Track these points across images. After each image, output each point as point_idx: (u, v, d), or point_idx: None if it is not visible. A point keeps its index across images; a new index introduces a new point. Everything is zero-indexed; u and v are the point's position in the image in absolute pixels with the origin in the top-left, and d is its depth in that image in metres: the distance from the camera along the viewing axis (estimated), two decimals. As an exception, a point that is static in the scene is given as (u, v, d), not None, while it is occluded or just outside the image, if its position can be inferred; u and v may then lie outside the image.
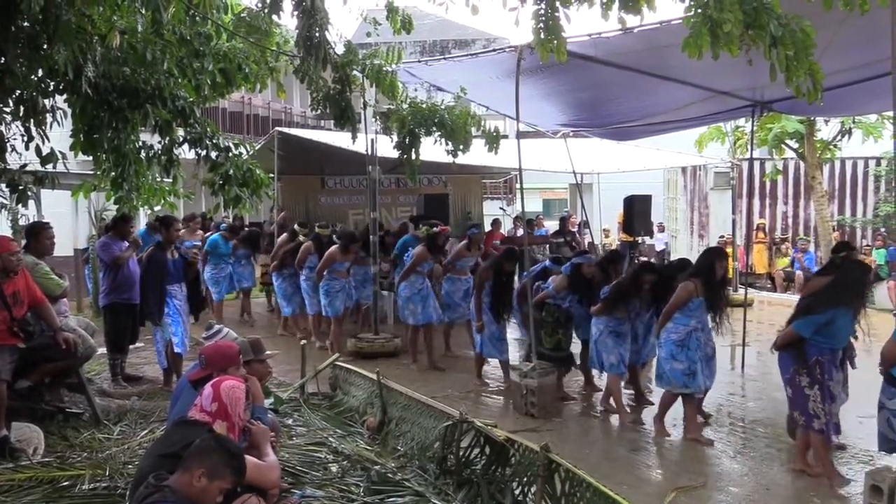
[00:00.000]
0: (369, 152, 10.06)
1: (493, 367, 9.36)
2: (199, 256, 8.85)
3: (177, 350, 7.83)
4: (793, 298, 11.82)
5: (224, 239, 12.00)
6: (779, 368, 5.77)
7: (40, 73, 6.34)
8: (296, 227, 11.52)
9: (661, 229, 19.82)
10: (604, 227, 19.91)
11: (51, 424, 6.13)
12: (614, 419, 7.29)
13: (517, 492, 4.65)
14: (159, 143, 7.58)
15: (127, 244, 8.01)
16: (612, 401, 7.38)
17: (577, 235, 16.80)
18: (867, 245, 17.98)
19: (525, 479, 4.64)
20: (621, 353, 7.14)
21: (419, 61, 8.95)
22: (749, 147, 11.61)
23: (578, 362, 8.06)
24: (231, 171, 7.55)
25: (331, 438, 5.95)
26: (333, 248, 9.83)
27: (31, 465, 5.22)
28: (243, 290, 12.58)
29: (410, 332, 9.52)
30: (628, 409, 7.33)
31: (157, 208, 8.35)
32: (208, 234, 12.57)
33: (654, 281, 7.07)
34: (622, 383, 7.54)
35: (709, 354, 6.56)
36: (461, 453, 5.11)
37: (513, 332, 10.33)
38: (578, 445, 6.53)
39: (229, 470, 3.23)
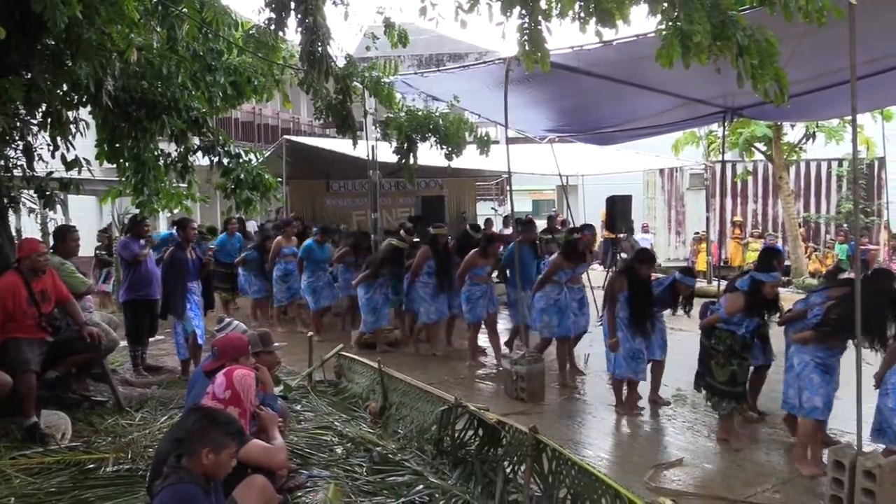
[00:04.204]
0: (370, 158, 10.06)
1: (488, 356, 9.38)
2: (212, 257, 8.73)
3: (200, 342, 7.85)
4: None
5: (318, 244, 10.44)
6: None
7: (64, 87, 6.35)
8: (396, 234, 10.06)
9: (645, 230, 19.75)
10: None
11: (77, 411, 6.14)
12: (597, 400, 7.29)
13: (508, 470, 4.64)
14: (176, 151, 7.61)
15: (144, 243, 8.03)
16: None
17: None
18: (831, 239, 18.04)
19: (515, 458, 4.63)
20: (829, 394, 5.30)
21: (415, 73, 8.94)
22: (721, 150, 11.61)
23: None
24: (242, 176, 7.58)
25: (336, 423, 5.97)
26: (473, 252, 8.68)
27: (59, 449, 5.25)
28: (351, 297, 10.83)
29: (540, 343, 8.16)
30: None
31: (175, 211, 8.39)
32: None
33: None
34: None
35: None
36: (456, 435, 5.11)
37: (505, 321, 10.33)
38: (565, 427, 6.52)
39: (230, 437, 3.24)
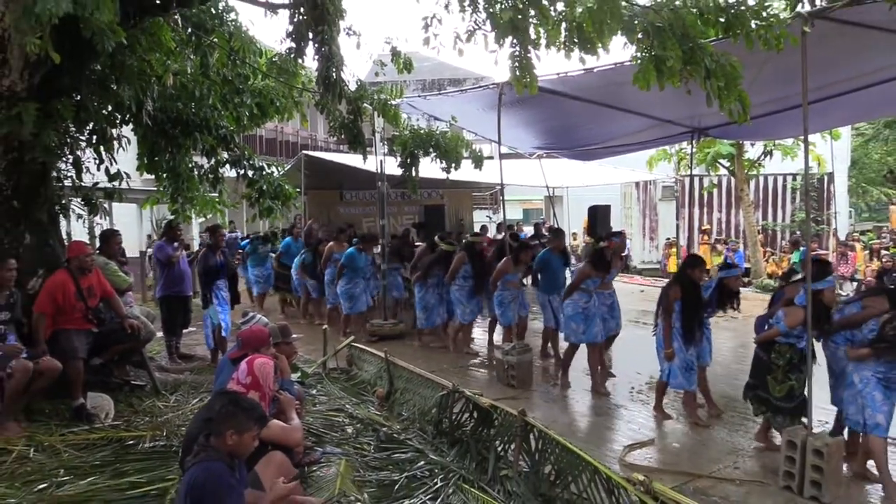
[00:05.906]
0: (378, 171, 10.05)
1: (477, 343, 9.35)
2: (240, 261, 8.68)
3: (224, 334, 7.85)
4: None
5: (359, 251, 9.69)
6: None
7: (109, 107, 6.36)
8: (436, 238, 9.67)
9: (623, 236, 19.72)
10: (572, 231, 19.89)
11: (119, 394, 6.14)
12: (579, 387, 7.26)
13: (499, 448, 4.64)
14: (207, 164, 7.61)
15: (177, 245, 8.02)
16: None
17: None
18: (786, 245, 18.02)
19: (506, 438, 4.63)
20: (890, 411, 4.65)
21: (419, 96, 8.92)
22: (690, 165, 11.60)
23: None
24: (265, 187, 7.58)
25: (347, 405, 5.96)
26: (506, 259, 8.09)
27: (103, 427, 5.26)
28: (395, 299, 10.75)
29: (567, 349, 7.47)
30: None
31: (209, 216, 8.41)
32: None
33: None
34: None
35: None
36: (454, 417, 5.11)
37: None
38: (550, 411, 6.51)
39: (252, 421, 3.22)
